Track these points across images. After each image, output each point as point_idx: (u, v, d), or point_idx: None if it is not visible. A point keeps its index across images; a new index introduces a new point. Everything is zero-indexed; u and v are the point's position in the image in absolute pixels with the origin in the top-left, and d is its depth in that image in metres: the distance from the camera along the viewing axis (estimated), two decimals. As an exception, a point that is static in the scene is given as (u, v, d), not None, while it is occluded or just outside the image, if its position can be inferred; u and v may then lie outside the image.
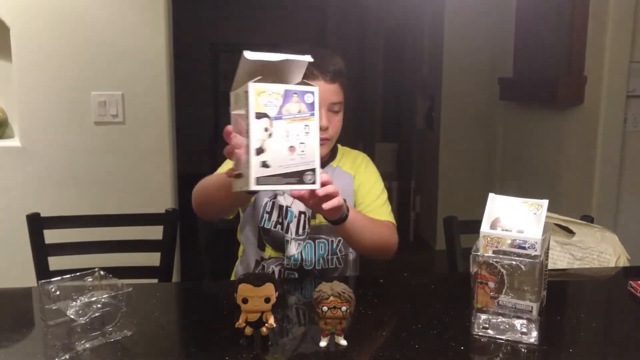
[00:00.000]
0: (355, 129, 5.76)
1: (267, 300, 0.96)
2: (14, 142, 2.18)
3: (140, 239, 1.70)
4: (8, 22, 2.08)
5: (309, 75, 1.35)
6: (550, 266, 1.38)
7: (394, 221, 1.48)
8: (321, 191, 1.08)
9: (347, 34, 6.03)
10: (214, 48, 7.02)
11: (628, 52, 2.55)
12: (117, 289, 1.09)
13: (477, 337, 1.05)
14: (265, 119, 0.93)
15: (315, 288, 0.99)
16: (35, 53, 2.10)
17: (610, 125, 2.60)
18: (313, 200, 1.12)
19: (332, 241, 1.45)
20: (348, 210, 1.25)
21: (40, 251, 1.62)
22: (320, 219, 1.41)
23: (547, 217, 1.06)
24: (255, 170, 0.92)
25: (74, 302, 1.04)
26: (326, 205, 1.13)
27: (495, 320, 1.04)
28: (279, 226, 1.43)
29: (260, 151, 0.92)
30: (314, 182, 0.99)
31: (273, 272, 1.44)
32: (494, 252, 1.04)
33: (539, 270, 1.00)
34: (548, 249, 1.18)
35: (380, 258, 1.42)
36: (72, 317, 1.01)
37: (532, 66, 3.26)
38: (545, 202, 1.07)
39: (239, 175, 0.97)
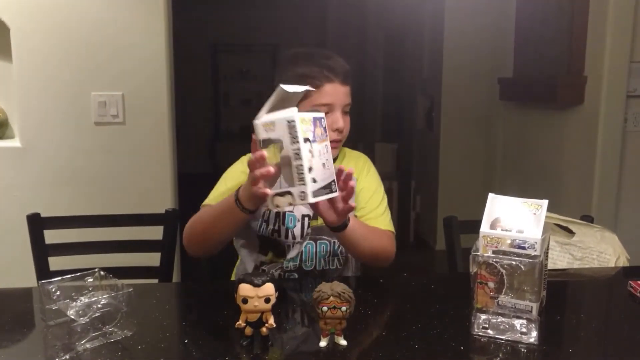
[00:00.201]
0: (355, 128, 5.73)
1: (267, 300, 0.96)
2: (14, 142, 2.18)
3: (141, 239, 1.70)
4: (8, 22, 2.08)
5: (325, 78, 1.36)
6: (550, 266, 1.38)
7: (393, 230, 1.49)
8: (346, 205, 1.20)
9: (347, 34, 6.03)
10: (214, 48, 7.03)
11: (628, 51, 2.55)
12: (117, 289, 1.09)
13: (476, 337, 1.05)
14: (308, 143, 1.08)
15: (315, 288, 0.99)
16: (35, 53, 2.10)
17: (610, 125, 2.61)
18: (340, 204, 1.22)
19: (333, 242, 1.45)
20: (349, 218, 1.27)
21: (41, 251, 1.62)
22: (321, 220, 1.41)
23: (546, 217, 1.06)
24: (310, 186, 1.08)
25: (74, 303, 1.04)
26: (349, 205, 1.21)
27: (495, 320, 1.04)
28: (275, 234, 1.42)
29: (310, 169, 1.07)
30: (337, 190, 1.16)
31: (272, 275, 1.44)
32: (493, 252, 1.04)
33: (538, 270, 1.00)
34: (548, 249, 1.18)
35: (377, 266, 1.43)
36: (73, 317, 1.01)
37: (532, 66, 3.26)
38: (545, 202, 1.07)
39: (281, 194, 1.11)
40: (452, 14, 3.88)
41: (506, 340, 1.03)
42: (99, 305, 1.02)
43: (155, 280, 1.66)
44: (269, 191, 1.12)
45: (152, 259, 1.69)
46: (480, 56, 3.85)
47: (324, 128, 1.13)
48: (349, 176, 1.18)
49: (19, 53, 2.10)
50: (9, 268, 2.11)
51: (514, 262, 1.01)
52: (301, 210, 1.42)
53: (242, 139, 6.40)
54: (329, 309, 0.96)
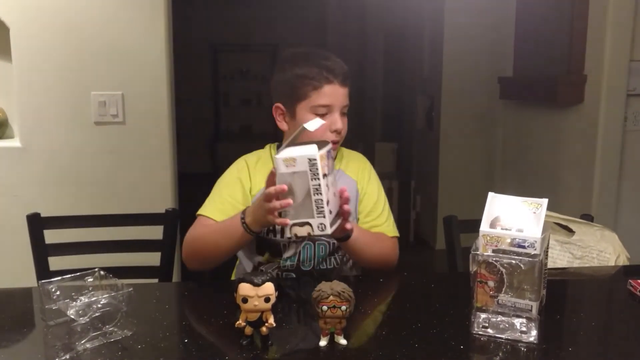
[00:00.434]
0: (355, 128, 5.75)
1: (267, 299, 0.97)
2: (14, 142, 2.18)
3: (141, 238, 1.70)
4: (8, 22, 2.08)
5: (324, 79, 1.36)
6: (550, 265, 1.38)
7: (397, 234, 1.52)
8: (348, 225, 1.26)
9: (347, 33, 6.03)
10: (214, 48, 7.02)
11: (628, 50, 2.55)
12: (117, 289, 1.09)
13: (476, 336, 1.05)
14: (326, 177, 1.15)
15: (314, 287, 0.99)
16: (35, 53, 2.10)
17: (610, 124, 2.60)
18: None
19: (332, 243, 1.45)
20: (352, 229, 1.31)
21: (41, 251, 1.62)
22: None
23: (546, 216, 1.06)
24: (328, 218, 1.15)
25: (74, 302, 1.04)
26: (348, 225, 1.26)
27: (494, 319, 1.04)
28: (271, 234, 1.43)
29: (327, 203, 1.14)
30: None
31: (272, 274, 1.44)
32: (493, 251, 1.04)
33: (538, 269, 1.01)
34: (547, 248, 1.18)
35: (379, 270, 1.46)
36: (73, 317, 1.01)
37: (532, 65, 3.26)
38: (544, 201, 1.07)
39: (300, 224, 1.16)
40: (452, 14, 3.88)
41: (506, 339, 1.03)
42: (99, 305, 1.02)
43: (155, 280, 1.66)
44: (289, 221, 1.16)
45: (152, 258, 1.69)
46: (480, 56, 3.84)
47: (332, 158, 1.21)
48: (345, 200, 1.22)
49: (19, 53, 2.10)
50: (9, 268, 2.11)
51: (513, 261, 1.01)
52: None
53: (242, 139, 6.42)
54: (328, 308, 0.96)
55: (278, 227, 1.42)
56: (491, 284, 1.03)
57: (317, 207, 1.14)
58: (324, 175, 1.13)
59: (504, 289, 1.02)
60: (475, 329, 1.05)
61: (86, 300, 1.05)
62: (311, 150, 1.11)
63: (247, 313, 0.98)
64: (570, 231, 1.56)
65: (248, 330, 0.99)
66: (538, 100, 3.23)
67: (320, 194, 1.13)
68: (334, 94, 1.38)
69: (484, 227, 1.07)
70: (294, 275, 1.43)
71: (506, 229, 1.05)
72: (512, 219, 1.06)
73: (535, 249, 1.02)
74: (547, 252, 1.17)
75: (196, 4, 6.24)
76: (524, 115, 3.49)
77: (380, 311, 1.26)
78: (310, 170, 1.12)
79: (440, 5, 3.92)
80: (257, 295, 0.96)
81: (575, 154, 2.83)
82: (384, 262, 1.45)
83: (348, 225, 1.26)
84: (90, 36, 2.12)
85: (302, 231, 1.17)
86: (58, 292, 1.12)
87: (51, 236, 1.63)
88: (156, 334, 1.07)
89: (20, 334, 1.11)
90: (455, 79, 3.94)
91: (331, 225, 1.16)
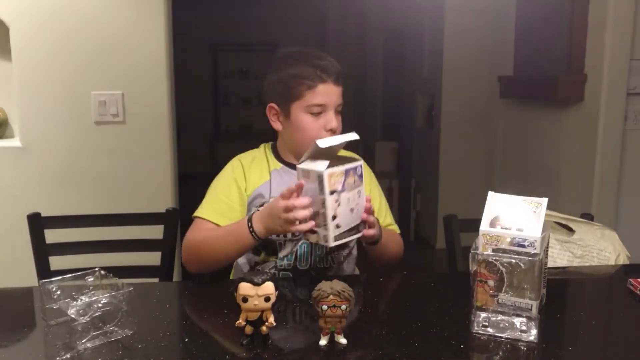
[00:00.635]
0: (355, 128, 5.75)
1: (267, 299, 0.97)
2: (14, 142, 2.18)
3: (141, 238, 1.70)
4: (7, 22, 2.08)
5: (318, 79, 1.36)
6: (550, 264, 1.38)
7: (399, 230, 1.58)
8: (369, 232, 1.29)
9: (347, 33, 6.03)
10: (214, 47, 7.02)
11: (628, 49, 2.55)
12: (117, 289, 1.09)
13: (476, 335, 1.05)
14: (335, 194, 1.18)
15: (314, 287, 0.99)
16: (35, 53, 2.10)
17: (610, 123, 2.60)
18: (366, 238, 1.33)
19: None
20: (381, 235, 1.36)
21: (41, 251, 1.62)
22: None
23: (546, 215, 1.06)
24: (332, 232, 1.20)
25: (75, 302, 1.05)
26: (367, 232, 1.30)
27: (494, 319, 1.04)
28: None
29: (334, 217, 1.19)
30: (364, 229, 1.28)
31: (272, 274, 1.44)
32: (493, 250, 1.04)
33: (538, 268, 1.01)
34: (547, 247, 1.18)
35: (387, 265, 1.52)
36: (73, 316, 1.01)
37: (532, 64, 3.26)
38: (544, 200, 1.07)
39: (312, 230, 1.22)
40: (452, 13, 3.88)
41: (506, 338, 1.03)
42: (100, 305, 1.02)
43: (156, 280, 1.66)
44: (306, 227, 1.21)
45: (153, 258, 1.69)
46: (480, 55, 3.84)
47: (360, 175, 1.23)
48: (368, 210, 1.27)
49: (19, 52, 2.10)
50: (10, 267, 2.11)
51: (513, 260, 1.01)
52: None
53: (242, 138, 6.41)
54: (328, 307, 0.96)
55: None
56: (491, 283, 1.03)
57: (323, 220, 1.19)
58: (333, 192, 1.17)
59: (504, 288, 1.02)
60: (475, 328, 1.05)
61: (87, 299, 1.05)
62: (321, 167, 1.16)
63: (247, 312, 0.98)
64: (570, 230, 1.56)
65: (248, 329, 0.99)
66: (538, 99, 3.23)
67: (325, 207, 1.17)
68: (328, 93, 1.38)
69: (484, 226, 1.07)
70: (291, 275, 1.43)
71: (506, 228, 1.05)
72: (512, 218, 1.06)
73: (535, 248, 1.02)
74: (547, 251, 1.17)
75: (196, 4, 6.24)
76: (524, 115, 3.49)
77: (380, 310, 1.26)
78: (319, 185, 1.17)
79: (441, 4, 3.92)
80: (257, 294, 0.96)
81: (576, 153, 2.83)
82: (396, 259, 1.51)
83: (371, 232, 1.29)
84: (90, 36, 2.12)
85: (313, 237, 1.24)
86: (59, 292, 1.12)
87: (51, 236, 1.63)
88: (157, 334, 1.08)
89: (21, 334, 1.11)
90: (455, 78, 3.94)
91: (337, 239, 1.21)
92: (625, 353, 1.05)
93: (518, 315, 1.03)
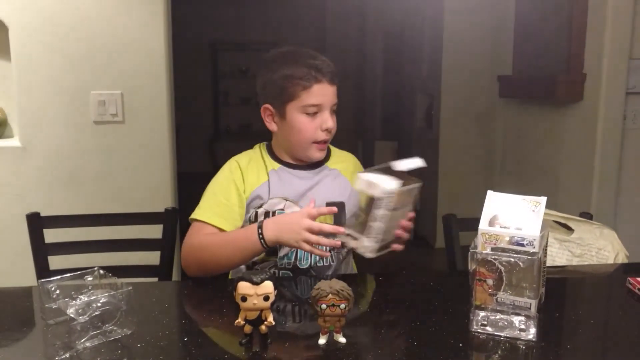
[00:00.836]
0: (355, 127, 5.77)
1: (266, 298, 0.97)
2: (14, 142, 2.18)
3: (140, 237, 1.70)
4: (7, 22, 2.08)
5: (313, 79, 1.36)
6: (549, 263, 1.38)
7: None
8: (398, 247, 1.30)
9: (347, 32, 6.03)
10: (213, 47, 7.02)
11: (627, 49, 2.55)
12: (116, 288, 1.09)
13: (475, 334, 1.05)
14: (392, 211, 1.19)
15: (313, 286, 0.99)
16: (34, 52, 2.10)
17: (609, 122, 2.60)
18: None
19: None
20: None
21: (40, 250, 1.62)
22: (318, 219, 1.40)
23: (545, 214, 1.06)
24: (374, 245, 1.20)
25: (74, 301, 1.05)
26: (396, 247, 1.30)
27: (493, 317, 1.04)
28: None
29: (382, 232, 1.19)
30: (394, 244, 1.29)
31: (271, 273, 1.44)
32: (492, 249, 1.05)
33: (537, 267, 1.01)
34: (546, 246, 1.18)
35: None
36: (72, 316, 1.01)
37: (531, 64, 3.26)
38: (543, 199, 1.07)
39: (352, 237, 1.22)
40: (451, 12, 3.88)
41: (505, 337, 1.03)
42: (99, 304, 1.02)
43: (155, 279, 1.66)
44: (321, 253, 1.27)
45: (152, 257, 1.69)
46: (479, 54, 3.84)
47: (415, 196, 1.26)
48: (407, 228, 1.29)
49: (18, 52, 2.10)
50: (9, 267, 2.11)
51: (512, 259, 1.01)
52: (293, 209, 1.42)
53: (242, 138, 6.41)
54: (327, 306, 0.96)
55: None
56: (490, 282, 1.03)
57: (374, 233, 1.19)
58: (394, 209, 1.19)
59: (502, 287, 1.02)
60: (474, 327, 1.06)
61: (86, 299, 1.05)
62: (393, 185, 1.18)
63: (246, 311, 0.98)
64: (570, 229, 1.56)
65: (247, 328, 0.99)
66: (537, 98, 3.23)
67: (378, 221, 1.18)
68: (323, 93, 1.38)
69: (483, 225, 1.07)
70: (291, 274, 1.43)
71: (505, 227, 1.05)
72: (511, 217, 1.06)
73: (534, 247, 1.02)
74: (546, 250, 1.17)
75: (196, 3, 6.24)
76: (524, 114, 3.49)
77: (379, 309, 1.26)
78: (384, 201, 1.18)
79: (440, 3, 3.92)
80: (256, 293, 0.96)
81: (575, 152, 2.83)
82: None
83: (400, 247, 1.30)
84: (89, 35, 2.12)
85: (351, 243, 1.23)
86: (58, 291, 1.12)
87: (51, 235, 1.63)
88: (156, 333, 1.08)
89: (20, 333, 1.11)
90: (454, 78, 3.94)
91: (376, 252, 1.22)
92: (624, 352, 1.05)
93: (517, 314, 1.03)
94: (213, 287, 1.35)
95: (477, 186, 3.74)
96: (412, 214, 1.29)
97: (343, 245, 1.28)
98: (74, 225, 1.69)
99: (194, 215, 1.41)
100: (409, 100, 4.71)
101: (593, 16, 2.64)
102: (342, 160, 1.54)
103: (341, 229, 1.24)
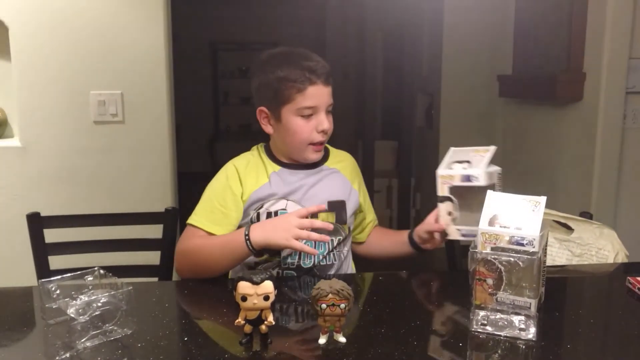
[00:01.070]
0: (354, 127, 5.76)
1: (266, 298, 0.97)
2: (14, 142, 2.18)
3: (140, 237, 1.70)
4: (7, 22, 2.08)
5: (307, 81, 1.36)
6: (549, 263, 1.38)
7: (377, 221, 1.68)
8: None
9: (347, 31, 6.02)
10: (213, 46, 7.01)
11: (627, 48, 2.55)
12: (117, 288, 1.09)
13: (475, 333, 1.05)
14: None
15: (313, 285, 0.99)
16: (34, 52, 2.10)
17: (609, 122, 2.60)
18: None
19: (332, 240, 1.45)
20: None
21: (41, 250, 1.62)
22: (320, 217, 1.41)
23: (545, 213, 1.06)
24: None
25: (74, 301, 1.05)
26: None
27: (493, 317, 1.05)
28: None
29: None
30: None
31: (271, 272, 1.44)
32: (492, 248, 1.05)
33: (537, 267, 1.01)
34: (546, 246, 1.18)
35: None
36: (73, 315, 1.02)
37: (531, 63, 3.26)
38: (543, 199, 1.07)
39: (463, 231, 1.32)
40: (451, 12, 3.88)
41: (505, 336, 1.03)
42: (99, 304, 1.03)
43: (155, 279, 1.67)
44: (309, 249, 1.29)
45: (152, 257, 1.69)
46: (479, 54, 3.84)
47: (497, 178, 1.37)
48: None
49: (18, 52, 2.10)
50: (9, 267, 2.11)
51: (512, 259, 1.01)
52: (295, 209, 1.42)
53: (242, 137, 6.41)
54: (327, 306, 0.96)
55: None
56: (490, 281, 1.03)
57: (474, 220, 1.16)
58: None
59: (502, 287, 1.03)
60: (474, 327, 1.06)
61: (86, 299, 1.05)
62: (497, 168, 1.32)
63: (246, 311, 0.98)
64: (569, 229, 1.56)
65: (247, 328, 0.99)
66: (537, 98, 3.23)
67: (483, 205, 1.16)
68: (318, 94, 1.37)
69: (483, 224, 1.07)
70: (295, 274, 1.43)
71: (505, 227, 1.05)
72: (511, 216, 1.06)
73: (534, 247, 1.02)
74: (545, 249, 1.17)
75: (195, 3, 6.23)
76: (523, 113, 3.49)
77: (379, 309, 1.26)
78: (496, 182, 1.27)
79: (440, 3, 3.92)
80: (256, 293, 0.96)
81: (575, 152, 2.83)
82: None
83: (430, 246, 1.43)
84: (89, 35, 2.12)
85: (456, 234, 1.34)
86: (58, 291, 1.12)
87: (51, 235, 1.63)
88: (156, 333, 1.08)
89: (21, 333, 1.11)
90: (454, 77, 3.94)
91: (462, 235, 1.32)
92: (624, 351, 1.05)
93: (517, 314, 1.03)
94: (213, 287, 1.36)
95: (477, 186, 3.73)
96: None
97: (341, 243, 1.29)
98: (74, 225, 1.69)
99: (189, 220, 1.42)
100: (408, 99, 4.71)
101: (593, 16, 2.63)
102: (340, 160, 1.55)
103: (330, 225, 1.25)
